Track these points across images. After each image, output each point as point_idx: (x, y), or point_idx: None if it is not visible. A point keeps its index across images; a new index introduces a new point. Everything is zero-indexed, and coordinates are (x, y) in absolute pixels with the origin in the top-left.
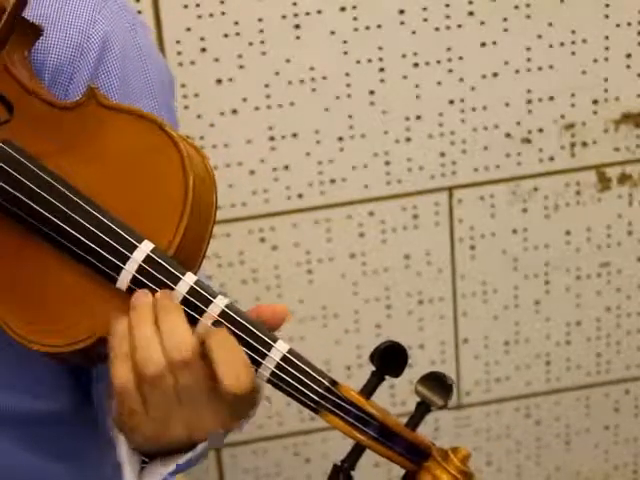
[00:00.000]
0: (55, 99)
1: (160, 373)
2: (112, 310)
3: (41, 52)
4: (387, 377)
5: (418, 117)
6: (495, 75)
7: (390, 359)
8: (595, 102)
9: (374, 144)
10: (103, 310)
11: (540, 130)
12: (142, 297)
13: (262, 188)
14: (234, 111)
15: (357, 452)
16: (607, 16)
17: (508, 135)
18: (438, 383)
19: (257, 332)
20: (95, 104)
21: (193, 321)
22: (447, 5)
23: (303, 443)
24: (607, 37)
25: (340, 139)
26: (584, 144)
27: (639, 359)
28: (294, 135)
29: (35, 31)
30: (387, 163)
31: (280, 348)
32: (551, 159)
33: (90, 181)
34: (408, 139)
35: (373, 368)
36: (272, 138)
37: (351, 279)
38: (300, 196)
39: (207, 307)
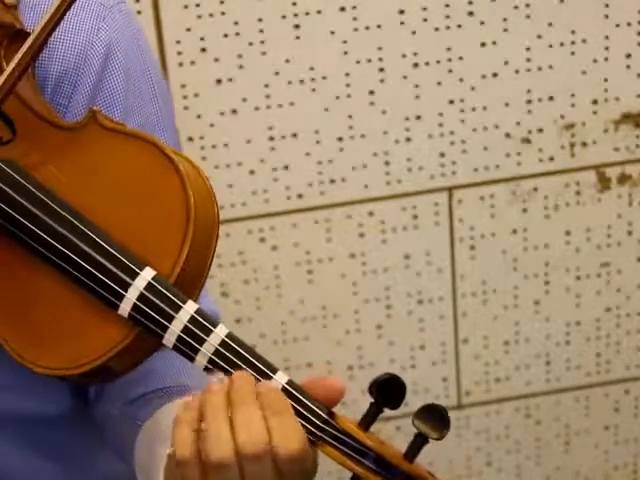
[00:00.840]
0: (59, 119)
1: (228, 463)
2: (115, 335)
3: (45, 61)
4: (385, 409)
5: (418, 117)
6: (495, 75)
7: (388, 392)
8: (595, 102)
9: (374, 144)
10: (106, 335)
11: (540, 130)
12: (217, 388)
13: (262, 188)
14: (234, 111)
15: None
16: (607, 16)
17: (508, 135)
18: (434, 415)
19: (256, 362)
20: (96, 126)
21: (194, 351)
22: (447, 5)
23: None
24: (607, 37)
25: (340, 139)
26: (584, 144)
27: (639, 359)
28: (294, 135)
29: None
30: (387, 163)
31: (280, 379)
32: (551, 159)
33: (91, 204)
34: (408, 139)
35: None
36: (272, 138)
37: (351, 279)
38: (300, 196)
39: (208, 336)
